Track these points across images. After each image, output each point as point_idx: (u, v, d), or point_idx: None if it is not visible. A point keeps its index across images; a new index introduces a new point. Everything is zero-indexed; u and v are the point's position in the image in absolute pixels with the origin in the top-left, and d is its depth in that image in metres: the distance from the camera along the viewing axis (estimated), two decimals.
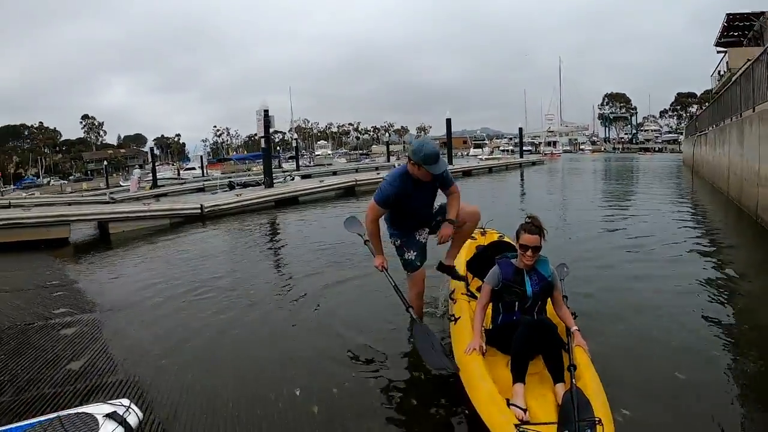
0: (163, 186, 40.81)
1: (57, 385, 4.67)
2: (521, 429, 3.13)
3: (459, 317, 4.74)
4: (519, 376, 3.68)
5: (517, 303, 4.20)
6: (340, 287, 7.46)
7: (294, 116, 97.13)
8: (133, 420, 3.18)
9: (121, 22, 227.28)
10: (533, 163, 52.74)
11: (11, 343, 5.87)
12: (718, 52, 42.05)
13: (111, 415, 3.08)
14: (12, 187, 74.42)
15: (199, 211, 17.59)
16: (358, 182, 25.96)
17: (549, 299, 4.33)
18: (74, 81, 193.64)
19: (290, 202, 21.14)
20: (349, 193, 24.73)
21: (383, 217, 5.14)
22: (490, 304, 4.40)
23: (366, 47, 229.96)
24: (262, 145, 25.25)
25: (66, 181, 76.03)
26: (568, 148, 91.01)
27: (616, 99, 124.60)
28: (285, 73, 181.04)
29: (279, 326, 6.03)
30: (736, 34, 39.19)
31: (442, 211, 5.15)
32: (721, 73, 38.45)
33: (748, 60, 17.86)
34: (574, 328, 4.19)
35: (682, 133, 77.31)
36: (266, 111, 24.23)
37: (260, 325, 6.09)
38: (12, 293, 8.27)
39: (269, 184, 24.74)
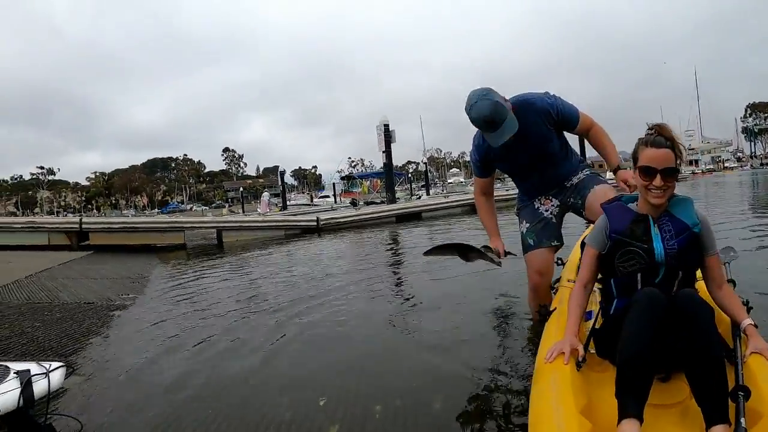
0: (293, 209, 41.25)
1: (61, 355, 4.13)
2: None
3: (554, 309, 3.02)
4: (631, 403, 1.87)
5: (639, 276, 2.32)
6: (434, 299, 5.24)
7: (426, 146, 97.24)
8: (40, 386, 2.53)
9: (259, 65, 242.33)
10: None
11: (56, 314, 5.51)
12: None
13: (20, 373, 2.52)
14: (156, 210, 79.43)
15: (315, 223, 17.05)
16: None
17: (699, 271, 2.44)
18: (217, 119, 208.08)
19: (413, 217, 19.95)
20: (475, 209, 23.00)
21: None
22: (598, 288, 2.63)
23: (495, 74, 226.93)
24: (383, 160, 24.52)
25: (207, 207, 79.94)
26: (711, 166, 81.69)
27: (760, 109, 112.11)
28: (416, 104, 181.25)
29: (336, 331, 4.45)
30: None
31: (575, 169, 3.64)
32: None
33: None
34: (747, 321, 2.24)
35: None
36: (387, 125, 23.56)
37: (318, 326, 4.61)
38: (98, 280, 8.20)
39: (391, 199, 23.97)
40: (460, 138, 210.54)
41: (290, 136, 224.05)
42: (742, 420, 1.72)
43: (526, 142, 3.31)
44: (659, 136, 2.30)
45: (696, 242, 2.31)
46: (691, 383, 1.96)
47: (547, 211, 3.68)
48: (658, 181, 2.25)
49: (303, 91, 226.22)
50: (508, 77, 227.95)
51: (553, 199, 3.66)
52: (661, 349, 2.02)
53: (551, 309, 3.03)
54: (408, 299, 5.43)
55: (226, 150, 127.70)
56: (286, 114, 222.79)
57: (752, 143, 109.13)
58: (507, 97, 3.26)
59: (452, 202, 23.34)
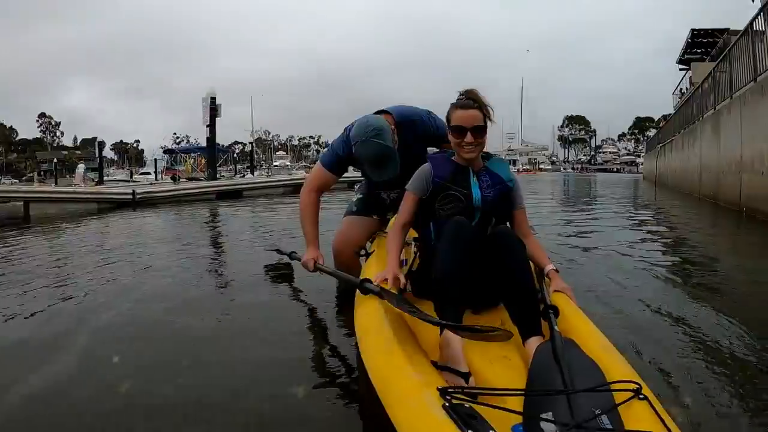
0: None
1: None
2: (451, 398, 1.48)
3: (373, 251, 3.30)
4: (450, 314, 2.07)
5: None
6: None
7: (255, 127, 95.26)
8: None
9: (88, 26, 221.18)
10: None
11: None
12: (681, 69, 42.30)
13: None
14: None
15: (131, 197, 16.21)
16: None
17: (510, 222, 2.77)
18: (35, 80, 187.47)
19: (233, 195, 19.66)
20: (297, 190, 22.66)
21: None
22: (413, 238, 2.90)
23: (331, 65, 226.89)
24: (206, 134, 23.73)
25: (18, 181, 73.59)
26: (528, 167, 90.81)
27: (576, 121, 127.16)
28: (249, 86, 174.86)
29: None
30: (699, 51, 39.25)
31: None
32: (683, 90, 38.27)
33: (732, 36, 17.66)
34: (550, 266, 2.61)
35: (639, 156, 79.47)
36: (213, 98, 22.90)
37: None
38: None
39: (212, 176, 23.33)
40: (290, 122, 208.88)
41: (114, 107, 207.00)
42: (556, 328, 1.97)
43: (402, 159, 3.20)
44: (468, 99, 2.59)
45: (508, 195, 2.69)
46: (508, 305, 2.25)
47: (385, 193, 3.68)
48: (469, 137, 2.53)
49: (134, 61, 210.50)
50: (349, 68, 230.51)
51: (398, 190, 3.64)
52: (475, 281, 2.29)
53: (370, 251, 3.32)
54: (222, 275, 5.29)
55: (42, 115, 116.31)
56: (113, 83, 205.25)
57: (566, 150, 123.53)
58: (389, 109, 3.33)
59: (274, 181, 23.45)
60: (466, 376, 1.86)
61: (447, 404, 1.43)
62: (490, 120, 2.62)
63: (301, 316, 3.55)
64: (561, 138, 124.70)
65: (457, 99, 2.63)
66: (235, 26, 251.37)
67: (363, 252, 3.32)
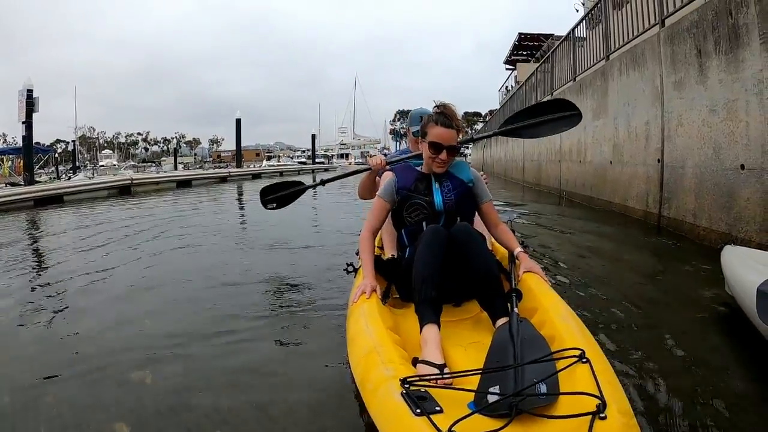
0: None
1: None
2: (410, 385, 1.72)
3: (360, 266, 3.37)
4: (428, 312, 2.33)
5: (424, 224, 2.84)
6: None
7: (79, 124, 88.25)
8: None
9: None
10: (326, 169, 58.58)
11: None
12: (507, 69, 44.96)
13: None
14: None
15: None
16: (134, 181, 23.73)
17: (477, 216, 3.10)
18: None
19: (54, 201, 17.50)
20: (124, 192, 21.83)
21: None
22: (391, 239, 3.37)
23: (159, 56, 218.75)
24: (22, 132, 21.54)
25: None
26: (360, 160, 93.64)
27: (407, 115, 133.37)
28: (71, 77, 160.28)
29: None
30: (525, 53, 41.93)
31: None
32: (509, 88, 40.63)
33: (555, 41, 19.29)
34: (519, 249, 2.89)
35: (467, 147, 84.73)
36: (30, 91, 20.86)
37: None
38: None
39: (29, 180, 21.19)
40: (116, 118, 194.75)
41: None
42: (516, 310, 2.27)
43: None
44: (445, 116, 2.86)
45: (470, 193, 2.95)
46: (476, 294, 2.55)
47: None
48: (444, 155, 2.83)
49: None
50: (176, 59, 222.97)
51: None
52: (450, 277, 2.57)
53: (358, 267, 3.38)
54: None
55: None
56: None
57: (398, 143, 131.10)
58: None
59: (97, 183, 21.97)
60: (441, 367, 2.05)
61: (404, 391, 1.67)
62: (462, 135, 3.00)
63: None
64: (393, 131, 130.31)
65: (435, 113, 2.90)
66: (53, 10, 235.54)
67: (351, 268, 3.43)
